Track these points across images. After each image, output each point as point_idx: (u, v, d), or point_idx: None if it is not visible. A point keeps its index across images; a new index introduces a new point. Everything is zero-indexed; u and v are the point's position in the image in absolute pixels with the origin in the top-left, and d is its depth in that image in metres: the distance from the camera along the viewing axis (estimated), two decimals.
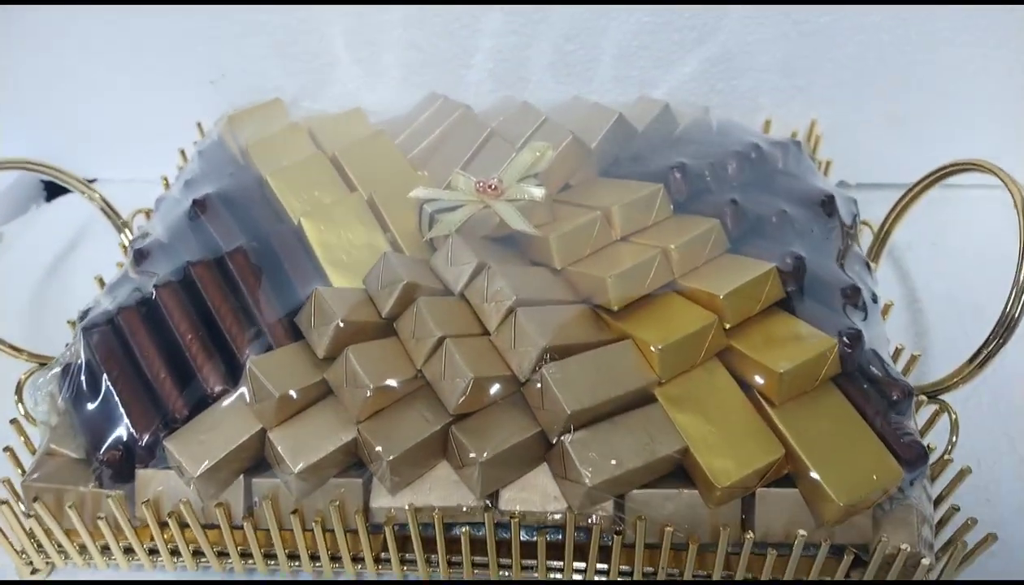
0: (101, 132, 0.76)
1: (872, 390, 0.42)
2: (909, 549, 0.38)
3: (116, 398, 0.42)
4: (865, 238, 0.59)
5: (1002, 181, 0.48)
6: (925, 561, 0.38)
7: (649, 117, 0.56)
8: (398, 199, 0.49)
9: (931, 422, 0.45)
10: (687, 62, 0.66)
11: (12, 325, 0.61)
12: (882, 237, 0.56)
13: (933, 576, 0.40)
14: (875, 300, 0.47)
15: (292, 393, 0.39)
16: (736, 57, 0.65)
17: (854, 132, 0.68)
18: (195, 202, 0.49)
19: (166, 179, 0.64)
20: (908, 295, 0.63)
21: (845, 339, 0.41)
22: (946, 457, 0.43)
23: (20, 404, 0.49)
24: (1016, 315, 0.43)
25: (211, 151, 0.58)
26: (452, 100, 0.59)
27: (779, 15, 0.63)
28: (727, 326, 0.42)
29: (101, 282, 0.55)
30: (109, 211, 0.61)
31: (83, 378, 0.43)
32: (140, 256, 0.48)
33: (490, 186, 0.47)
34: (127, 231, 0.60)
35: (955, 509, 0.42)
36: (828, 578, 0.40)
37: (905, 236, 0.62)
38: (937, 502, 0.43)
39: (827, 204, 0.49)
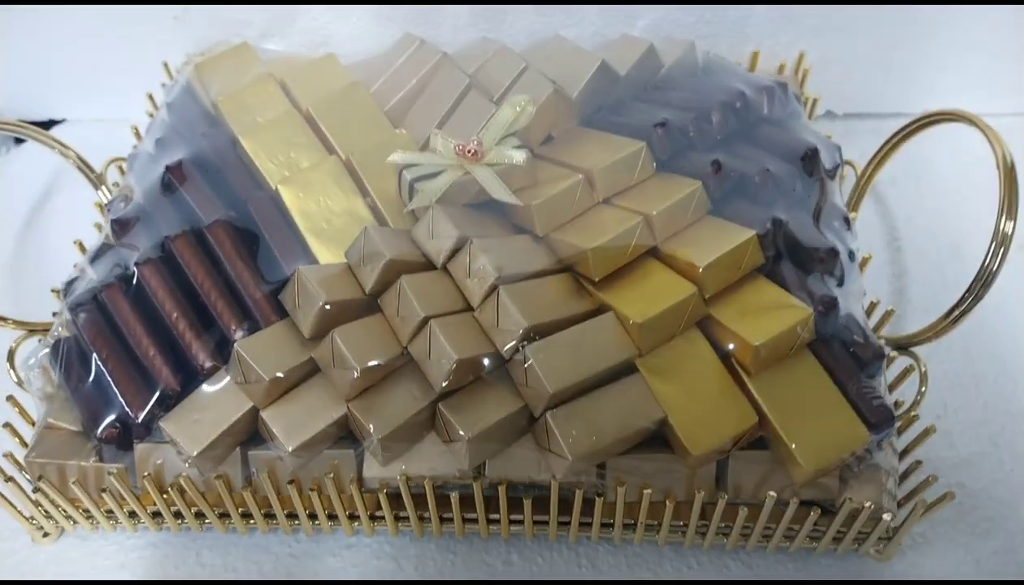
0: (64, 71, 0.73)
1: (844, 352, 0.43)
2: (872, 506, 0.40)
3: (108, 378, 0.43)
4: (849, 178, 0.59)
5: (984, 134, 0.48)
6: (886, 516, 0.41)
7: (632, 59, 0.54)
8: (377, 161, 0.48)
9: (902, 377, 0.47)
10: None
11: None
12: (863, 183, 0.56)
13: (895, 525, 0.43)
14: (852, 258, 0.48)
15: (280, 374, 0.40)
16: None
17: (842, 63, 0.67)
18: (169, 169, 0.48)
19: (136, 129, 0.62)
20: (889, 233, 0.63)
21: (820, 307, 0.42)
22: (912, 413, 0.45)
23: (12, 371, 0.50)
24: (994, 269, 0.44)
25: (181, 102, 0.56)
26: (429, 45, 0.57)
27: None
28: (706, 296, 0.42)
29: (82, 247, 0.55)
30: (84, 167, 0.59)
31: (74, 356, 0.44)
32: (120, 227, 0.47)
33: (470, 151, 0.46)
34: (104, 188, 0.59)
35: (918, 463, 0.44)
36: (797, 527, 0.43)
37: (890, 171, 0.62)
38: (904, 453, 0.45)
39: (808, 160, 0.49)
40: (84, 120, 0.76)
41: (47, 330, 0.52)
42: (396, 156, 0.47)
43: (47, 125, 0.76)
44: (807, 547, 0.45)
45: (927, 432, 0.44)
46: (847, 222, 0.50)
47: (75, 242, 0.55)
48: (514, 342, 0.40)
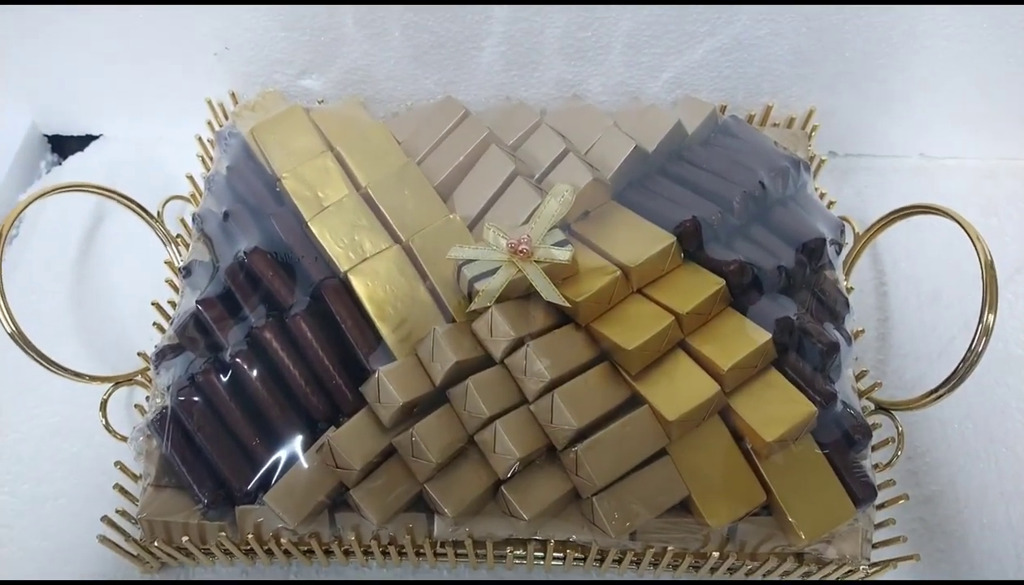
0: (103, 89, 0.75)
1: (838, 431, 0.51)
2: (851, 559, 0.50)
3: (210, 454, 0.50)
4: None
5: (965, 231, 0.55)
6: (862, 569, 0.50)
7: (660, 135, 0.60)
8: (434, 246, 0.54)
9: (885, 442, 0.56)
10: (696, 50, 0.67)
11: (56, 330, 0.64)
12: (851, 263, 0.63)
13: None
14: (850, 343, 0.55)
15: (366, 463, 0.48)
16: (745, 48, 0.67)
17: (847, 112, 0.72)
18: (247, 255, 0.53)
19: (192, 179, 0.66)
20: (876, 278, 0.70)
21: (822, 401, 0.50)
22: (891, 464, 0.54)
23: (104, 419, 0.57)
24: (979, 352, 0.51)
25: (242, 168, 0.60)
26: (472, 118, 0.61)
27: (793, 12, 0.64)
28: (727, 391, 0.50)
29: (159, 308, 0.60)
30: (144, 214, 0.64)
31: (178, 432, 0.50)
32: (207, 307, 0.53)
33: (521, 249, 0.51)
34: (172, 247, 0.63)
35: (892, 520, 0.54)
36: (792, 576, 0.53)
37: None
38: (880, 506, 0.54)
39: (816, 250, 0.55)
40: (120, 138, 0.79)
41: (130, 380, 0.59)
42: (455, 251, 0.52)
43: (85, 140, 0.79)
44: None
45: (899, 498, 0.53)
46: (847, 305, 0.57)
47: (152, 303, 0.60)
48: (567, 439, 0.47)
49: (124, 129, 0.78)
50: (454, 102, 0.62)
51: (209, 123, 0.70)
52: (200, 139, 0.68)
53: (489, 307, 0.50)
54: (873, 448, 0.55)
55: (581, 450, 0.47)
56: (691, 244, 0.54)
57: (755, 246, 0.55)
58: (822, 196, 0.66)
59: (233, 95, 0.70)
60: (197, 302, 0.53)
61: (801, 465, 0.50)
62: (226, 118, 0.69)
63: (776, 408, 0.49)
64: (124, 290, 0.66)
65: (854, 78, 0.69)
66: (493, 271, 0.51)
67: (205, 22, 0.67)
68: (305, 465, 0.49)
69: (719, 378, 0.49)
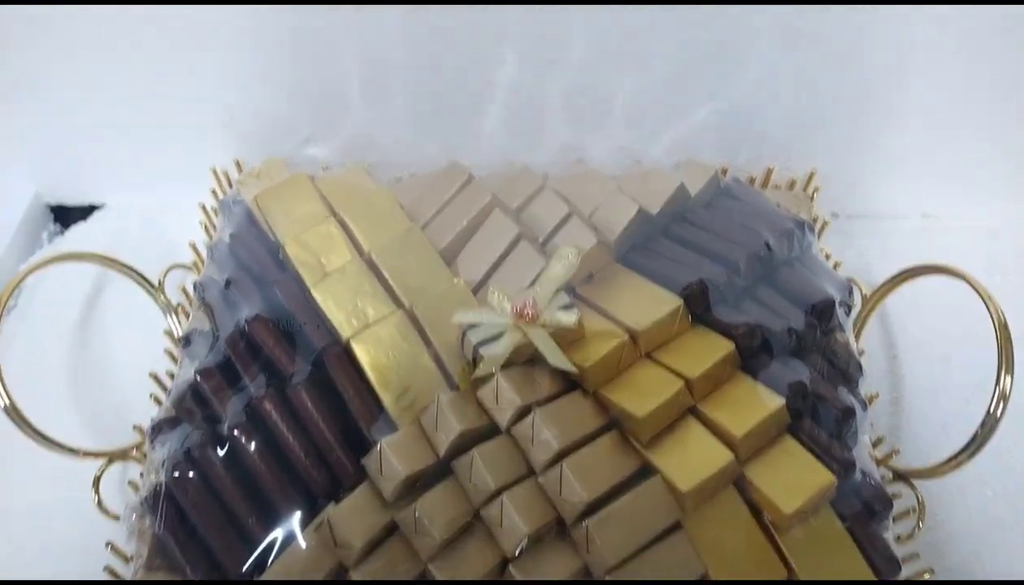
0: (105, 159, 0.75)
1: (858, 502, 0.49)
2: None
3: (205, 534, 0.48)
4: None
5: (978, 294, 0.54)
6: None
7: (663, 198, 0.59)
8: (437, 312, 0.53)
9: (906, 512, 0.54)
10: (697, 114, 0.68)
11: (52, 403, 0.62)
12: (859, 325, 0.62)
13: None
14: (865, 408, 0.53)
15: (366, 541, 0.46)
16: (746, 111, 0.67)
17: (849, 173, 0.72)
18: (248, 324, 0.52)
19: (195, 247, 0.66)
20: (885, 341, 0.69)
21: (841, 470, 0.48)
22: (913, 536, 0.52)
23: (97, 495, 0.55)
24: (997, 417, 0.50)
25: (245, 235, 0.59)
26: (476, 182, 0.61)
27: (791, 74, 0.65)
28: (741, 459, 0.48)
29: (157, 380, 0.59)
30: (144, 282, 0.63)
31: (171, 509, 0.49)
32: (206, 377, 0.51)
33: (526, 313, 0.50)
34: (172, 317, 0.62)
35: None
36: None
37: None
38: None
39: (825, 313, 0.54)
40: (123, 208, 0.79)
41: (125, 456, 0.57)
42: (459, 316, 0.51)
43: (89, 210, 0.79)
44: None
45: (924, 572, 0.51)
46: (860, 368, 0.55)
47: (150, 374, 0.59)
48: (577, 513, 0.45)
49: (128, 199, 0.78)
50: (458, 167, 0.62)
51: (213, 192, 0.70)
52: (204, 207, 0.68)
53: (494, 373, 0.49)
54: (893, 519, 0.53)
55: (592, 525, 0.45)
56: (698, 306, 0.53)
57: (763, 308, 0.54)
58: (827, 258, 0.66)
59: (238, 163, 0.71)
60: (196, 372, 0.52)
61: (822, 539, 0.47)
62: (231, 186, 0.70)
63: (793, 477, 0.47)
64: (123, 361, 0.65)
65: (854, 139, 0.69)
66: (498, 336, 0.50)
67: (211, 92, 0.68)
68: (303, 544, 0.47)
69: (733, 446, 0.48)
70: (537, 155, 0.71)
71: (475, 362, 0.50)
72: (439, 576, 0.46)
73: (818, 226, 0.68)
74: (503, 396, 0.48)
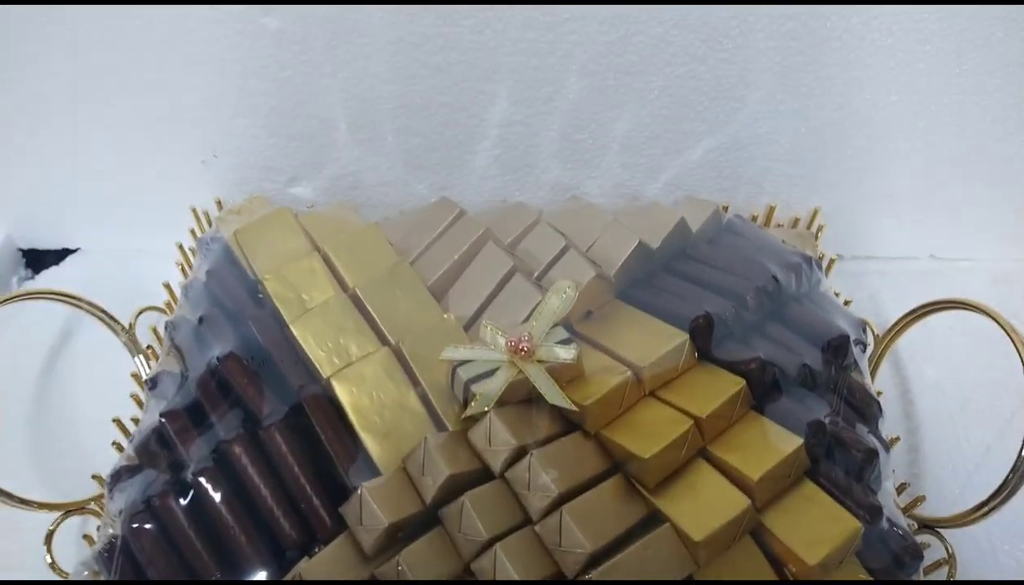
0: (80, 201, 0.72)
1: (886, 553, 0.45)
2: None
3: None
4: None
5: (1003, 329, 0.51)
6: None
7: (664, 232, 0.57)
8: (426, 348, 0.49)
9: (936, 564, 0.49)
10: (695, 150, 0.66)
11: (9, 451, 0.58)
12: (874, 366, 0.59)
13: None
14: (887, 450, 0.50)
15: None
16: (745, 147, 0.65)
17: (852, 213, 0.70)
18: (220, 362, 0.48)
19: (169, 287, 0.62)
20: (900, 385, 0.66)
21: (867, 516, 0.44)
22: None
23: (49, 555, 0.50)
24: None
25: (221, 272, 0.56)
26: (468, 217, 0.58)
27: (791, 109, 0.63)
28: (758, 505, 0.44)
29: (120, 425, 0.54)
30: (112, 323, 0.59)
31: (127, 564, 0.44)
32: (171, 419, 0.47)
33: (522, 348, 0.47)
34: (140, 358, 0.58)
35: None
36: None
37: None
38: None
39: (839, 349, 0.51)
40: (98, 250, 0.75)
41: (82, 508, 0.52)
42: (449, 352, 0.48)
43: (62, 254, 0.76)
44: None
45: None
46: (880, 408, 0.52)
47: (114, 419, 0.54)
48: (579, 566, 0.41)
49: (103, 241, 0.75)
50: (449, 202, 0.60)
51: (192, 231, 0.67)
52: (181, 247, 0.65)
53: (487, 412, 0.45)
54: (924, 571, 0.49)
55: (596, 579, 0.40)
56: (704, 342, 0.50)
57: (773, 344, 0.51)
58: (837, 295, 0.63)
59: (219, 202, 0.68)
60: (160, 414, 0.47)
61: None
62: (210, 226, 0.67)
63: (816, 526, 0.43)
64: (86, 407, 0.61)
65: (858, 177, 0.67)
66: (491, 372, 0.47)
67: (190, 130, 0.66)
68: None
69: (748, 491, 0.44)
70: (530, 193, 0.68)
71: (466, 402, 0.46)
72: None
73: (825, 263, 0.65)
74: (497, 437, 0.44)
